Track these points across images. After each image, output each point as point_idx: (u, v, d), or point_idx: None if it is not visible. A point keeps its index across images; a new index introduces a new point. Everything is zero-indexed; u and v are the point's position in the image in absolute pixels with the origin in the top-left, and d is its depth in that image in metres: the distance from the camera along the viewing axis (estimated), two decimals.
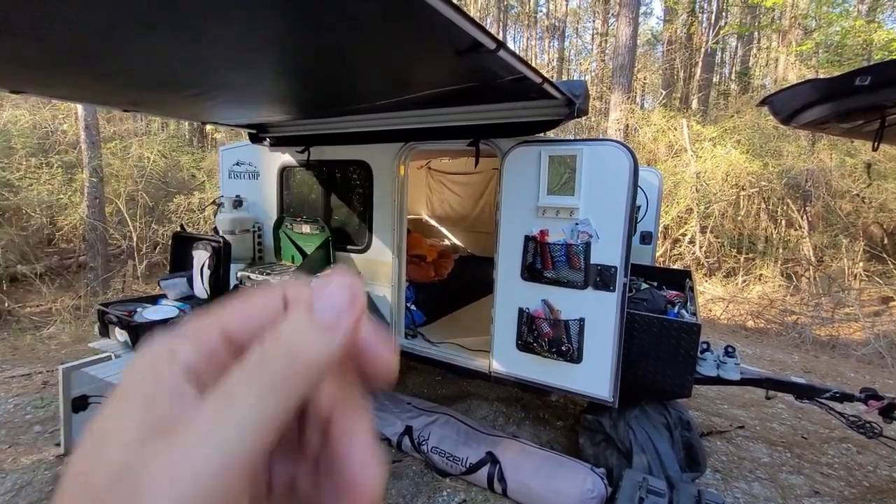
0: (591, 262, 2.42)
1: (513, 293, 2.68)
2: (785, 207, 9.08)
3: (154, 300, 3.52)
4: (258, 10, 1.31)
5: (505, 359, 2.79)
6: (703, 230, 8.49)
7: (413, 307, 3.71)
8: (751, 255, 9.12)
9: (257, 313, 0.23)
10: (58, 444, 3.12)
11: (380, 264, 3.28)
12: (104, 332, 3.17)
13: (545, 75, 2.01)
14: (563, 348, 2.50)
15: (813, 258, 8.56)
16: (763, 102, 2.67)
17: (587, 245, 2.41)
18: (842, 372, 5.18)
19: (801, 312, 7.28)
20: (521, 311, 2.64)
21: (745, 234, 9.39)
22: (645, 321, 2.58)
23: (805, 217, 8.67)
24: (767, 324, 7.21)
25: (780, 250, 8.85)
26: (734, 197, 8.59)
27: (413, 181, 5.80)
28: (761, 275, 8.36)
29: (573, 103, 2.32)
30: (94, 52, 1.55)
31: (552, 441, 3.46)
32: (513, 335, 2.69)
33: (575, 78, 18.88)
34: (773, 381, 3.10)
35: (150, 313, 3.04)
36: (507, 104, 2.58)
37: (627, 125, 10.13)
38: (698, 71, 13.53)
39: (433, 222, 5.88)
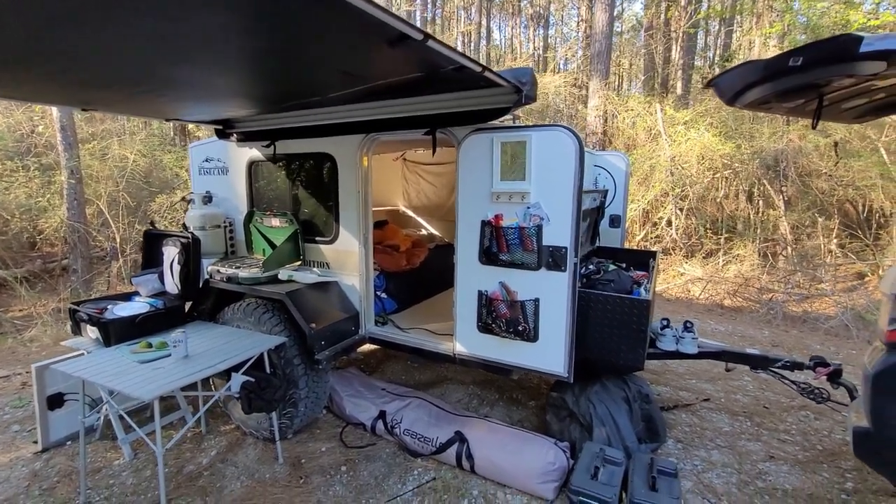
0: (543, 243, 2.50)
1: (472, 277, 2.77)
2: (761, 188, 9.24)
3: (128, 297, 3.56)
4: (190, 6, 1.36)
5: (467, 341, 2.89)
6: (680, 212, 8.63)
7: (384, 295, 3.79)
8: (729, 236, 9.29)
9: None
10: (35, 442, 3.17)
11: (347, 254, 3.35)
12: (76, 331, 3.21)
13: (485, 64, 2.08)
14: (520, 328, 2.59)
15: (790, 236, 8.74)
16: (708, 84, 2.76)
17: (539, 227, 2.49)
18: (808, 344, 5.36)
19: (775, 290, 7.46)
20: (480, 293, 2.73)
21: (723, 216, 9.55)
22: (599, 299, 2.68)
23: (781, 197, 8.84)
24: (745, 302, 7.39)
25: (758, 230, 9.02)
26: (709, 179, 8.73)
27: (389, 172, 5.85)
28: (738, 254, 8.53)
29: (520, 90, 2.39)
30: (33, 50, 1.59)
31: (523, 420, 3.57)
32: (474, 317, 2.78)
33: (560, 66, 18.89)
34: (729, 354, 3.22)
35: (120, 310, 3.09)
36: (460, 93, 2.64)
37: (606, 111, 10.21)
38: (678, 56, 13.61)
39: (410, 213, 5.95)
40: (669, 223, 8.68)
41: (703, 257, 8.96)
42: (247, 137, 3.63)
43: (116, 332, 2.95)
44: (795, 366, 3.03)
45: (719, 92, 2.75)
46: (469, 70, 2.04)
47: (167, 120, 3.14)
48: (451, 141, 2.84)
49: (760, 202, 9.61)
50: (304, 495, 2.74)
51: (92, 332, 3.09)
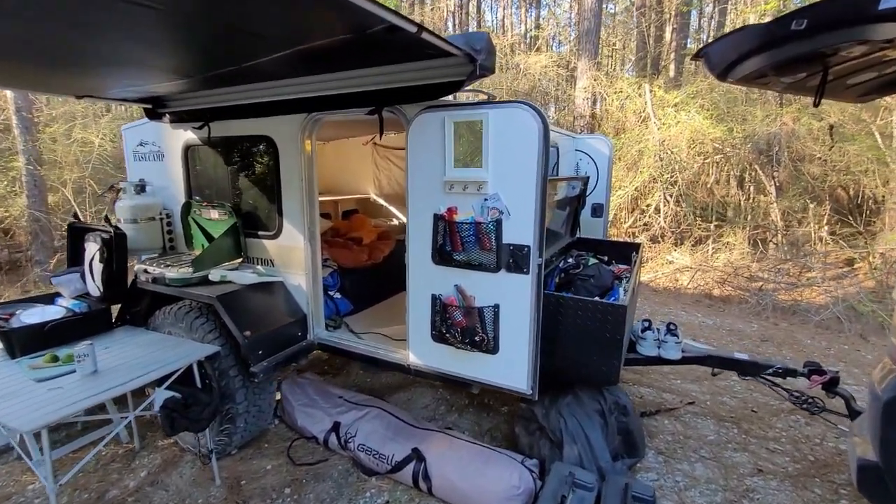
0: (503, 241, 2.16)
1: (425, 279, 2.42)
2: (753, 173, 8.94)
3: (51, 299, 3.19)
4: None
5: (421, 351, 2.55)
6: (669, 199, 8.32)
7: (338, 295, 3.43)
8: (719, 223, 9.01)
9: None
10: None
11: (293, 250, 2.98)
12: None
13: (425, 25, 1.70)
14: (478, 338, 2.26)
15: (781, 223, 8.48)
16: (698, 55, 2.39)
17: (498, 223, 2.14)
18: (799, 339, 5.11)
19: (765, 279, 7.22)
20: (434, 298, 2.38)
21: (714, 202, 9.26)
22: (568, 304, 2.34)
23: (773, 182, 8.54)
24: (734, 291, 7.14)
25: (748, 217, 8.75)
26: (699, 164, 8.40)
27: (359, 158, 5.44)
28: (727, 242, 8.27)
29: (475, 59, 2.01)
30: None
31: (493, 429, 3.28)
32: (427, 325, 2.44)
33: (554, 47, 18.32)
34: (716, 359, 2.94)
35: (28, 316, 2.71)
36: (407, 65, 2.25)
37: (595, 93, 9.79)
38: (669, 36, 13.14)
39: (381, 201, 5.56)
40: (658, 210, 8.37)
41: (693, 245, 8.68)
42: (180, 118, 3.21)
43: (21, 342, 2.57)
44: (788, 373, 2.75)
45: (710, 64, 2.39)
46: (404, 32, 1.65)
47: (79, 97, 2.71)
48: (401, 121, 2.46)
49: (751, 188, 9.31)
50: None
51: None
